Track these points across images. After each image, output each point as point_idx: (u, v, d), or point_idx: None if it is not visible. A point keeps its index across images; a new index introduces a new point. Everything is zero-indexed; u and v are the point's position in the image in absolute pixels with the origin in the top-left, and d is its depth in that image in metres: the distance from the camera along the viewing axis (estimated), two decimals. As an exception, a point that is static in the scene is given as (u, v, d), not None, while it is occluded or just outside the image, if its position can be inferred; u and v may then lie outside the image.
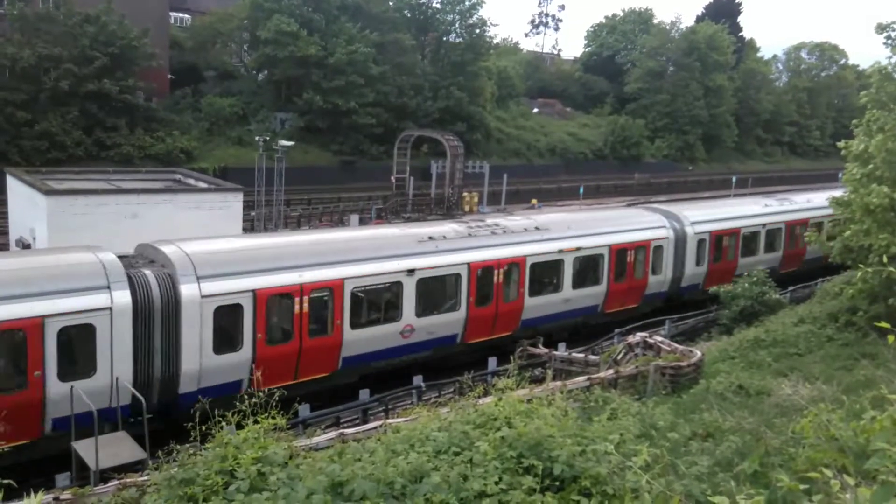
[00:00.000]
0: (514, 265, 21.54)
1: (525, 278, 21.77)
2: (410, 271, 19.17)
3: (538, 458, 6.07)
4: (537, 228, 22.95)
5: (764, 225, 30.46)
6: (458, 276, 20.22)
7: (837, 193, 33.85)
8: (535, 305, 22.21)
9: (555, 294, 22.95)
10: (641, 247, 25.31)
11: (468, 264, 20.31)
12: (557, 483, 5.90)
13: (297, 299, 16.94)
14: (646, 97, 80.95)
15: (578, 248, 23.22)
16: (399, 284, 19.11)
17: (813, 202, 33.21)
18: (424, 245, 20.00)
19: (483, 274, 20.76)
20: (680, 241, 26.86)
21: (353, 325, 18.13)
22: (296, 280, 16.92)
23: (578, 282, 23.54)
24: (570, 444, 6.26)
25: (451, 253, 20.19)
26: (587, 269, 24.05)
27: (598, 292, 24.22)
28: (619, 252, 24.56)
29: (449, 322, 20.19)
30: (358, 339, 18.27)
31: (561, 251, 22.73)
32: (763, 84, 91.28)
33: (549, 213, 29.91)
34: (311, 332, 17.37)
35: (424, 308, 19.71)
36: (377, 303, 19.34)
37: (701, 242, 27.66)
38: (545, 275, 22.99)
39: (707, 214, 29.21)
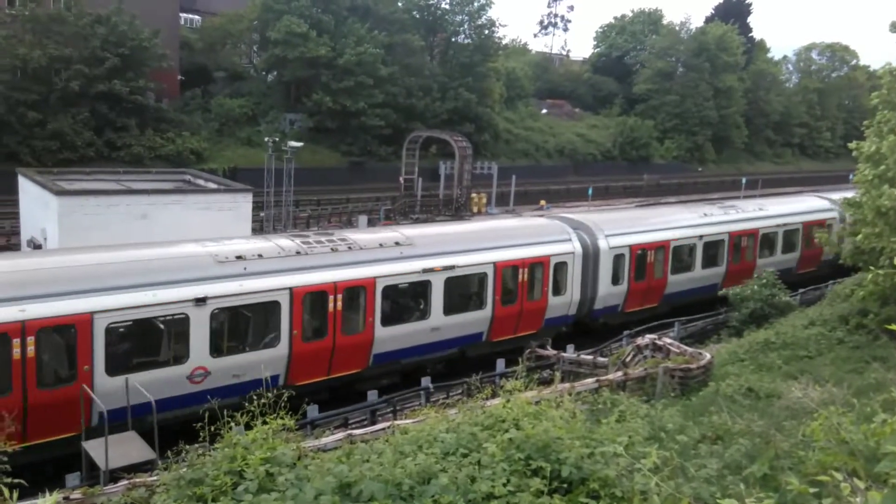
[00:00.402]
0: (359, 289, 18.13)
1: (374, 305, 18.30)
2: (201, 300, 15.47)
3: (546, 460, 6.06)
4: (397, 244, 19.45)
5: (701, 237, 27.13)
6: (276, 303, 16.66)
7: (802, 202, 31.95)
8: (392, 337, 18.73)
9: (420, 322, 19.43)
10: (538, 263, 21.90)
11: (290, 289, 16.77)
12: (565, 485, 5.89)
13: None
14: (655, 98, 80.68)
15: (451, 267, 19.74)
16: (183, 319, 15.33)
17: (767, 210, 30.90)
18: (226, 266, 16.25)
19: (313, 301, 17.35)
20: (591, 256, 23.69)
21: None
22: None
23: (453, 307, 20.08)
24: (579, 447, 6.25)
25: (265, 276, 16.53)
26: (465, 291, 20.92)
27: (482, 318, 20.81)
28: (507, 271, 21.28)
29: (263, 363, 15.01)
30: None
31: (427, 271, 19.29)
32: (773, 85, 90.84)
33: (422, 227, 24.31)
34: None
35: (223, 349, 16.03)
36: (140, 346, 15.67)
37: (618, 258, 24.34)
38: (405, 300, 19.77)
39: (627, 225, 25.84)
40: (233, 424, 7.44)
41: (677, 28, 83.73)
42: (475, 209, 48.55)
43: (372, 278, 18.22)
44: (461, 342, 20.70)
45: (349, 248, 18.56)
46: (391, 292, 18.93)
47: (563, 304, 23.03)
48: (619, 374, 15.04)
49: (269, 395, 7.52)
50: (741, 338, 20.35)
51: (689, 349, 16.41)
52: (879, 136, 18.37)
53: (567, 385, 13.01)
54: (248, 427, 7.35)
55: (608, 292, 24.25)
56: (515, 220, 32.36)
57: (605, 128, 78.45)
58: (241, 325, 16.78)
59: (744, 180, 65.37)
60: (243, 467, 6.48)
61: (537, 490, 5.69)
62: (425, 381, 17.64)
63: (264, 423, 7.28)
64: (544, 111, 79.29)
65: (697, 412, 11.90)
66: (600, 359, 18.36)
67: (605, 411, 10.56)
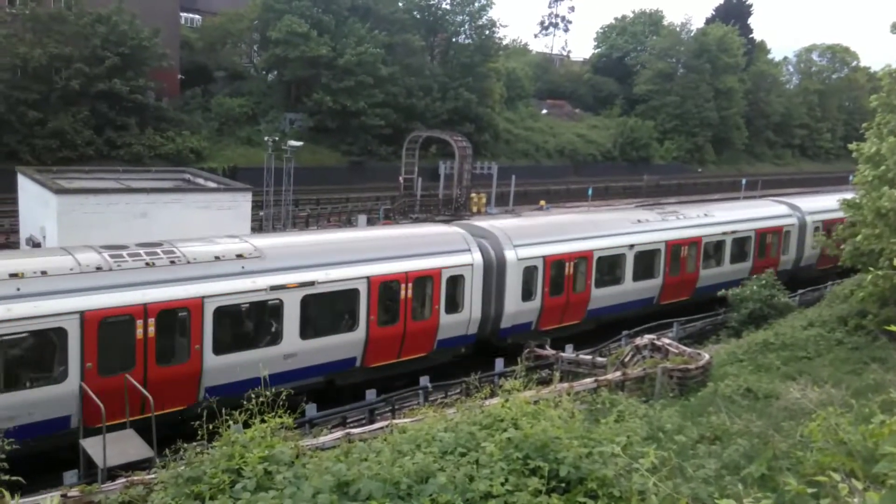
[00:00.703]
0: (180, 311, 15.49)
1: (203, 330, 15.68)
2: None
3: (544, 460, 6.06)
4: (240, 257, 16.55)
5: (632, 246, 24.61)
6: (62, 331, 14.08)
7: (756, 208, 30.53)
8: (230, 367, 15.77)
9: (268, 348, 16.71)
10: (425, 278, 19.46)
11: (80, 314, 14.11)
12: (564, 485, 5.89)
13: None
14: (655, 99, 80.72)
15: (310, 284, 17.10)
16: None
17: (714, 217, 28.50)
18: None
19: (113, 327, 14.67)
20: (495, 268, 21.22)
21: None
22: None
23: (314, 330, 17.51)
24: (577, 446, 6.24)
25: (46, 298, 13.97)
26: (330, 311, 18.42)
27: (353, 341, 18.28)
28: (385, 286, 18.72)
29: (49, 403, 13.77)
30: None
31: (276, 288, 16.59)
32: (774, 86, 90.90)
33: (280, 236, 20.39)
34: None
35: None
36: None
37: (530, 271, 21.86)
38: (248, 323, 17.08)
39: (541, 234, 23.16)
40: (231, 423, 7.44)
41: (678, 29, 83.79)
42: (475, 209, 48.56)
43: (198, 298, 15.59)
44: (327, 369, 17.90)
45: (172, 262, 15.80)
46: (228, 314, 16.19)
47: (459, 322, 20.42)
48: (618, 374, 15.04)
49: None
50: (740, 338, 20.37)
51: (688, 349, 16.42)
52: (879, 137, 18.39)
53: (566, 385, 13.00)
54: (246, 425, 7.35)
55: (518, 309, 21.69)
56: (406, 228, 28.39)
57: (606, 128, 78.48)
58: (18, 356, 14.25)
59: (744, 181, 65.42)
60: (241, 465, 6.48)
61: (535, 489, 5.68)
62: (423, 381, 17.64)
63: (262, 421, 7.28)
64: (544, 111, 79.32)
65: (696, 412, 11.90)
66: (599, 359, 18.37)
67: (603, 411, 10.57)
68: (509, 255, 21.51)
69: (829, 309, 20.90)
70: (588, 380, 14.61)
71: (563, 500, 5.67)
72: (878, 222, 17.61)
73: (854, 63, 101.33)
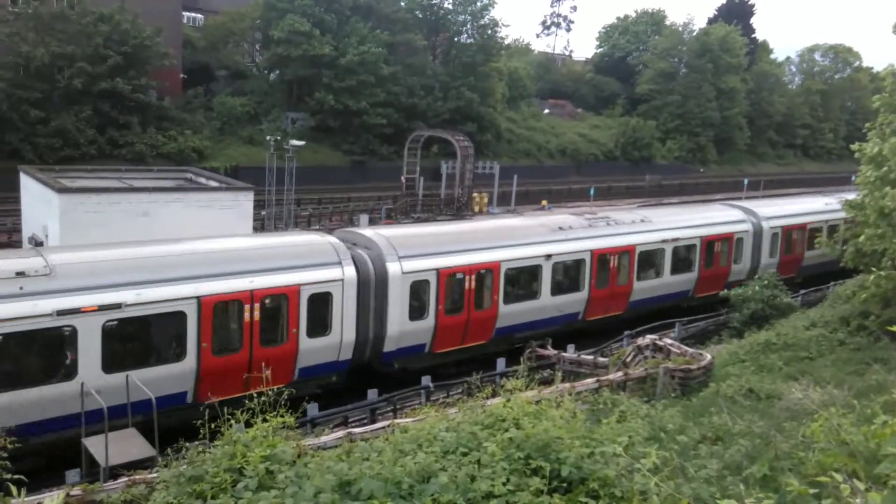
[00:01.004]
0: None
1: None
2: None
3: (546, 460, 6.06)
4: (20, 275, 14.07)
5: (549, 256, 22.07)
6: None
7: (703, 213, 28.95)
8: (7, 409, 13.39)
9: (59, 385, 14.24)
10: (279, 296, 17.00)
11: None
12: (565, 485, 5.89)
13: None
14: (657, 98, 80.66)
15: (115, 307, 14.63)
16: None
17: (652, 223, 25.70)
18: None
19: None
20: (374, 284, 18.70)
21: None
22: None
23: (123, 362, 14.95)
24: (579, 446, 6.24)
25: None
26: (147, 339, 15.97)
27: (180, 374, 15.73)
28: (222, 307, 16.30)
29: None
30: None
31: (66, 313, 14.13)
32: (776, 86, 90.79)
33: (88, 250, 16.71)
34: None
35: None
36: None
37: (419, 285, 19.42)
38: (29, 355, 14.44)
39: (434, 244, 20.58)
40: (233, 422, 7.45)
41: (680, 29, 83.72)
42: (477, 209, 48.55)
43: None
44: (144, 407, 14.06)
45: None
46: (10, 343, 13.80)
47: (327, 347, 17.84)
48: (620, 374, 15.05)
49: None
50: (742, 339, 20.36)
51: (690, 350, 16.43)
52: (882, 137, 18.36)
53: (567, 385, 13.01)
54: (248, 425, 7.35)
55: (404, 330, 19.23)
56: (262, 238, 24.50)
57: (608, 128, 78.44)
58: None
59: (746, 181, 65.35)
60: (243, 465, 6.48)
61: (537, 489, 5.68)
62: (425, 380, 17.64)
63: (264, 420, 7.29)
64: (546, 111, 79.30)
65: (698, 413, 11.91)
66: (601, 359, 18.38)
67: (605, 411, 10.58)
68: (392, 268, 18.88)
69: (832, 309, 20.88)
70: (590, 380, 14.63)
71: (564, 500, 5.67)
72: (881, 222, 17.59)
73: (856, 63, 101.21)
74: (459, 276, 20.21)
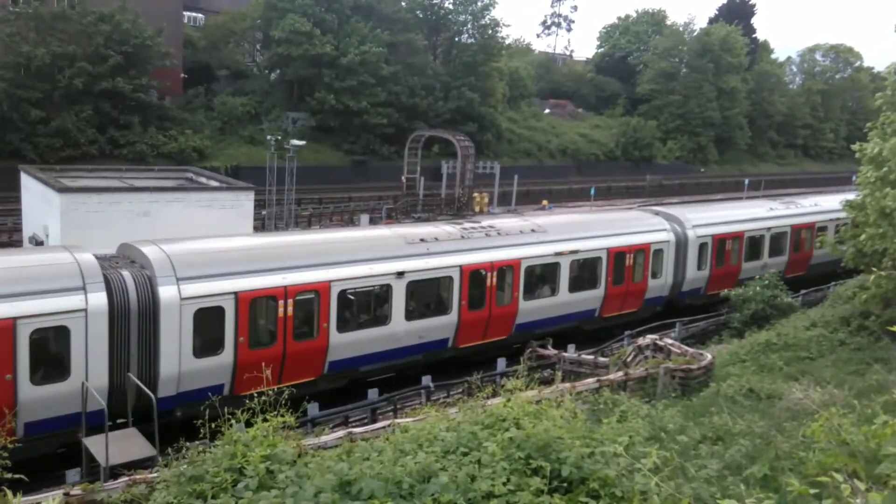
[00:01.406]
0: None
1: None
2: None
3: (546, 460, 6.06)
4: None
5: (401, 274, 18.60)
6: None
7: (617, 222, 25.00)
8: None
9: None
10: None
11: None
12: (565, 485, 5.89)
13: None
14: (658, 98, 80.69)
15: None
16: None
17: (545, 234, 22.38)
18: None
19: None
20: (133, 315, 14.96)
21: None
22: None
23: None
24: (579, 446, 6.24)
25: None
26: None
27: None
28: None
29: None
30: None
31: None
32: (777, 86, 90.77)
33: None
34: None
35: None
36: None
37: (209, 313, 15.80)
38: None
39: (233, 261, 16.76)
40: (233, 422, 7.45)
41: (681, 29, 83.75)
42: (477, 209, 48.59)
43: None
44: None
45: None
46: None
47: (61, 398, 14.08)
48: (620, 374, 15.05)
49: None
50: (742, 339, 20.37)
51: (691, 350, 16.43)
52: (883, 137, 18.35)
53: (568, 385, 13.02)
54: (248, 424, 7.35)
55: (192, 368, 15.65)
56: None
57: (608, 128, 78.46)
58: None
59: (746, 181, 65.33)
60: (243, 464, 6.48)
61: (537, 489, 5.68)
62: (426, 380, 17.65)
63: (265, 420, 7.29)
64: (547, 111, 79.31)
65: (698, 413, 11.91)
66: (601, 359, 18.38)
67: (605, 411, 10.57)
68: (167, 293, 15.20)
69: (832, 309, 20.87)
70: (590, 380, 14.63)
71: (564, 500, 5.67)
72: (882, 222, 17.58)
73: (857, 63, 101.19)
74: (269, 301, 16.64)
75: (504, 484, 5.72)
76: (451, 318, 19.87)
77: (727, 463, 7.59)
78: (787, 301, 23.16)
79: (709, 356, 15.74)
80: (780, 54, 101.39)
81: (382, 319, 18.75)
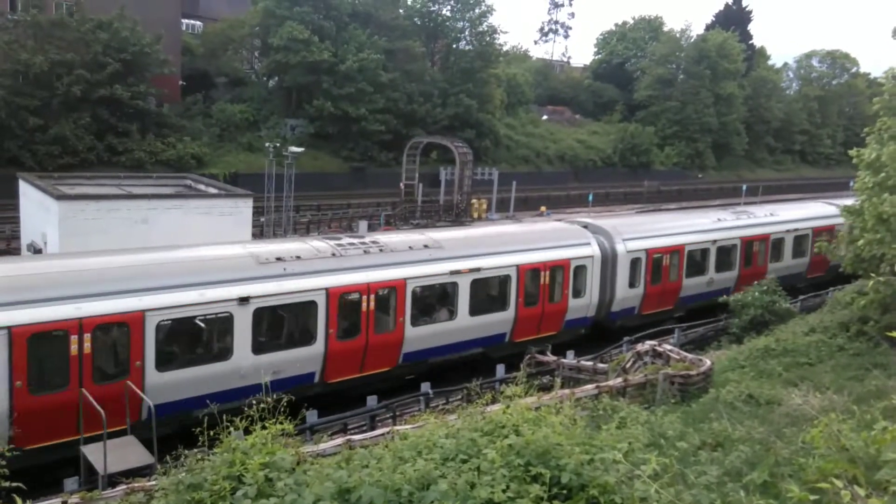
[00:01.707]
0: None
1: None
2: None
3: (546, 467, 6.05)
4: None
5: (245, 299, 15.94)
6: None
7: (533, 236, 22.73)
8: None
9: None
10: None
11: None
12: (565, 492, 5.88)
13: None
14: (655, 105, 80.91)
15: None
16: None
17: (441, 249, 19.91)
18: None
19: None
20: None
21: None
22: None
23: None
24: (578, 453, 6.23)
25: None
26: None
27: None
28: None
29: None
30: None
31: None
32: (774, 92, 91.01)
33: None
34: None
35: None
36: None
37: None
38: None
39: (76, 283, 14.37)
40: (232, 429, 7.43)
41: (678, 35, 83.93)
42: (476, 215, 48.64)
43: None
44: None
45: None
46: None
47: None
48: (619, 380, 15.01)
49: None
50: (741, 344, 20.35)
51: (689, 356, 16.40)
52: (880, 143, 18.40)
53: (567, 391, 12.99)
54: (247, 432, 7.34)
55: None
56: None
57: (606, 134, 78.62)
58: None
59: (744, 187, 65.43)
60: (242, 472, 6.46)
61: (537, 496, 5.67)
62: (425, 387, 17.62)
63: (263, 427, 7.27)
64: (545, 117, 79.48)
65: (697, 419, 11.89)
66: (600, 365, 18.34)
67: (605, 417, 10.56)
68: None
69: (831, 315, 20.88)
70: (589, 386, 14.60)
71: (564, 506, 5.66)
72: (880, 227, 17.61)
73: (854, 69, 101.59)
74: (58, 333, 13.72)
75: (503, 491, 5.71)
76: (317, 348, 17.18)
77: (727, 469, 7.57)
78: (785, 307, 23.16)
79: (708, 362, 15.71)
80: (776, 60, 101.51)
81: (225, 354, 15.85)
